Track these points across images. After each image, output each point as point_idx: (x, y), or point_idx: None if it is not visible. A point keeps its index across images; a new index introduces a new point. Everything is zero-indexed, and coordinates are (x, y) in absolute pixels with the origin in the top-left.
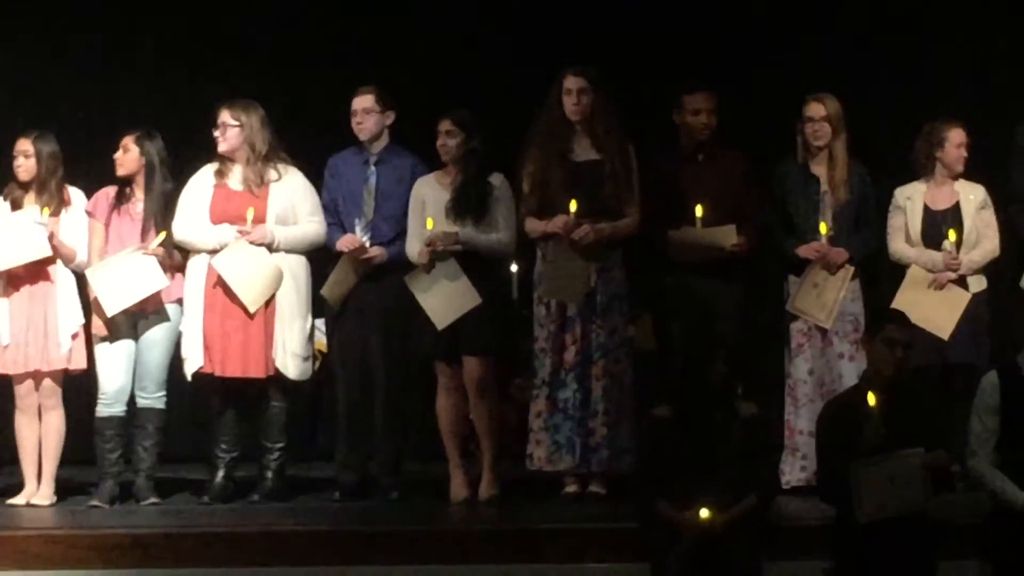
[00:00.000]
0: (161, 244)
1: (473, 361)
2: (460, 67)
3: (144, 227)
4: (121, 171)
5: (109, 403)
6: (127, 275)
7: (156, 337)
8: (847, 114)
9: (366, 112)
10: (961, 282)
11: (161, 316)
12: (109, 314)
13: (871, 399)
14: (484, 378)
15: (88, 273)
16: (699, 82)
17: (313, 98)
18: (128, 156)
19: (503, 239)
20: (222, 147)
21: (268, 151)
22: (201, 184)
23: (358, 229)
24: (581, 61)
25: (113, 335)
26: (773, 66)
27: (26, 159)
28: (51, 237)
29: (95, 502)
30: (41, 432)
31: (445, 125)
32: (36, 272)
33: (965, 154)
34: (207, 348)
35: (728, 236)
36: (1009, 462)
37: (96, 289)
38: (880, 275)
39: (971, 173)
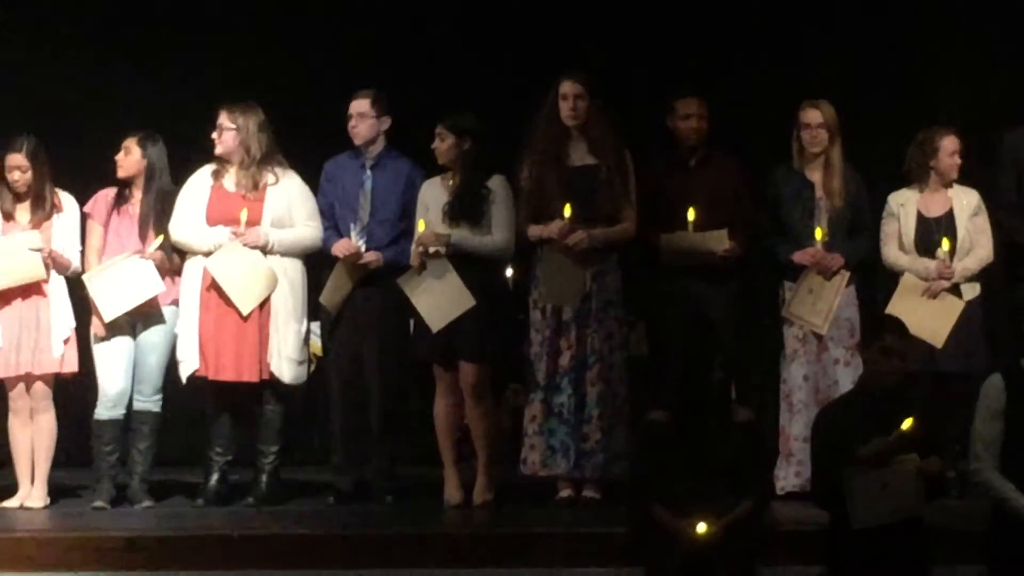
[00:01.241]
0: (159, 247)
1: (469, 366)
2: (460, 71)
3: (142, 229)
4: (122, 173)
5: (110, 406)
6: (124, 280)
7: (154, 340)
8: (842, 120)
9: (361, 116)
10: (955, 289)
11: (158, 319)
12: (106, 319)
13: (906, 424)
14: (480, 383)
15: (85, 279)
16: (690, 87)
17: (312, 102)
18: (130, 158)
19: (499, 242)
20: (218, 149)
21: (265, 154)
22: (198, 185)
23: (353, 233)
24: (578, 66)
25: (112, 337)
26: (769, 71)
27: (22, 174)
28: (47, 257)
29: (98, 503)
30: (33, 435)
31: (439, 129)
32: None
33: (959, 162)
34: (202, 351)
35: (720, 241)
36: (1013, 466)
37: (94, 295)
38: (875, 281)
39: (965, 178)
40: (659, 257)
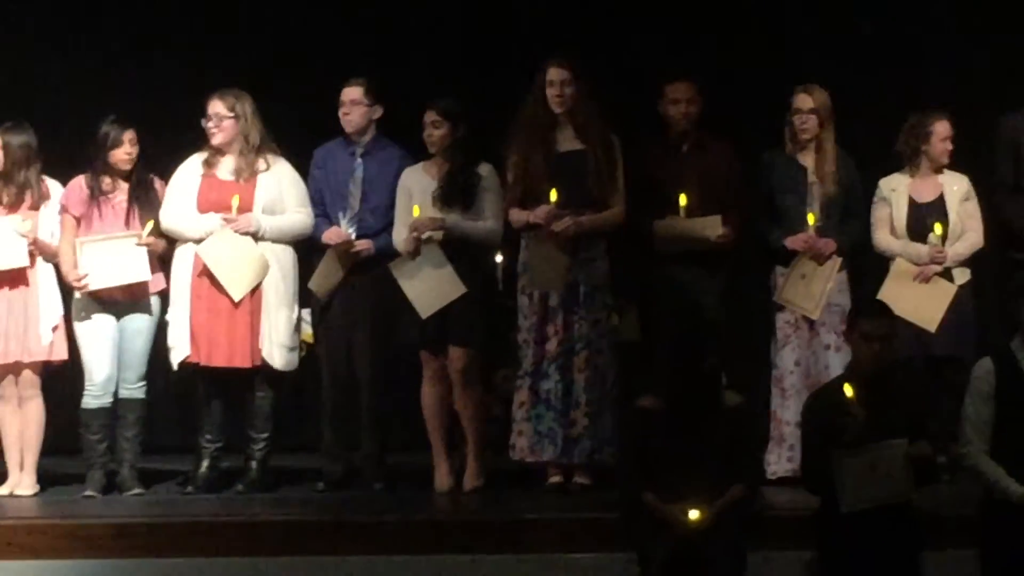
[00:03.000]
0: (150, 233)
1: (458, 351)
2: (446, 57)
3: (128, 218)
4: (131, 165)
5: (97, 394)
6: (116, 257)
7: (137, 326)
8: (835, 104)
9: (353, 104)
10: (946, 274)
11: (142, 307)
12: (90, 289)
13: (847, 390)
14: (469, 369)
15: (78, 242)
16: (680, 71)
17: (299, 88)
18: (137, 149)
19: (490, 227)
20: (217, 139)
21: (261, 141)
22: (188, 173)
23: (343, 221)
24: (567, 50)
25: (96, 324)
26: (764, 54)
27: None
28: (32, 243)
29: (89, 492)
30: (22, 423)
31: (431, 115)
32: None
33: (950, 147)
34: (193, 337)
35: (713, 227)
36: (1003, 450)
37: (82, 262)
38: (866, 266)
39: (955, 164)
40: (651, 243)
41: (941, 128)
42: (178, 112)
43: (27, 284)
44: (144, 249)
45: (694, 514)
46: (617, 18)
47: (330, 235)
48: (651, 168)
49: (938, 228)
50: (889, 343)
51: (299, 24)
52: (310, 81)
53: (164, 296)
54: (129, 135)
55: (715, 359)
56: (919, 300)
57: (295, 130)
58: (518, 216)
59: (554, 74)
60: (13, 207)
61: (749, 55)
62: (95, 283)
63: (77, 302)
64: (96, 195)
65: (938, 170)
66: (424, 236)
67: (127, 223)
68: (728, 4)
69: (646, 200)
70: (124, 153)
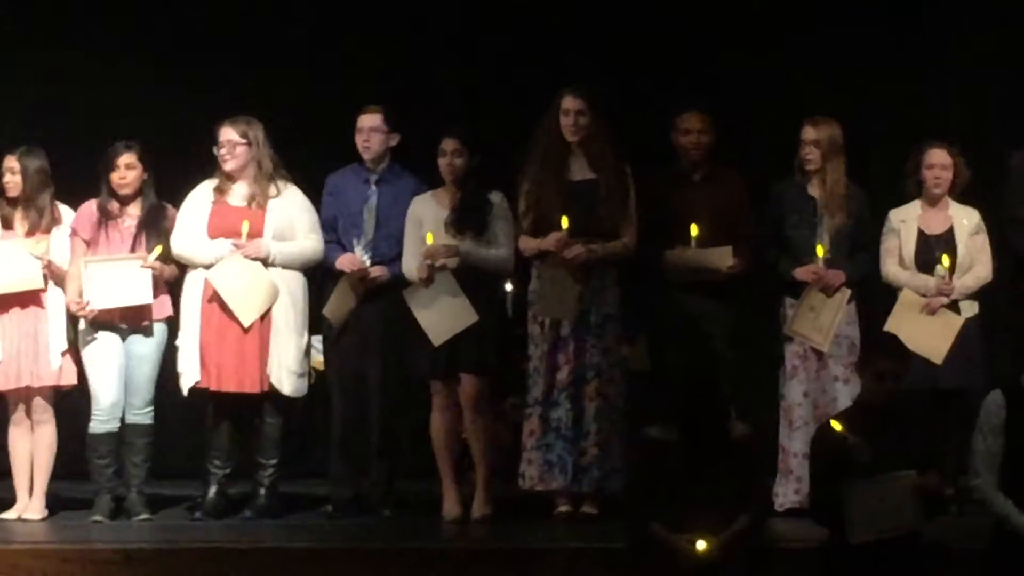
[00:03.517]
0: (156, 259)
1: (470, 379)
2: (456, 83)
3: (135, 242)
4: (129, 190)
5: (104, 419)
6: (120, 279)
7: (143, 352)
8: (847, 137)
9: (372, 131)
10: (953, 306)
11: (147, 332)
12: (91, 308)
13: (835, 426)
14: (480, 396)
15: (83, 262)
16: (692, 102)
17: (309, 114)
18: (134, 173)
19: (502, 255)
20: (229, 165)
21: (274, 166)
22: (199, 200)
23: (358, 248)
24: (580, 78)
25: (102, 349)
26: (777, 85)
27: (12, 176)
28: (47, 267)
29: (97, 517)
30: (33, 447)
31: (452, 144)
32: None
33: (942, 175)
34: (203, 362)
35: (724, 257)
36: (1013, 483)
37: (86, 280)
38: (875, 298)
39: (966, 196)
40: (661, 272)
41: (930, 156)
42: (188, 139)
43: (39, 307)
44: (148, 272)
45: (701, 545)
46: (630, 43)
47: (344, 262)
48: (662, 198)
49: (945, 260)
50: (899, 380)
51: (309, 51)
52: (318, 107)
53: (170, 322)
54: (125, 159)
55: (722, 390)
56: (925, 332)
57: (305, 156)
58: (529, 244)
59: (569, 103)
60: (30, 232)
61: (764, 85)
62: (97, 303)
63: (83, 326)
64: (105, 219)
65: (932, 202)
66: (438, 264)
67: (133, 248)
68: (745, 30)
69: (657, 229)
70: (118, 177)
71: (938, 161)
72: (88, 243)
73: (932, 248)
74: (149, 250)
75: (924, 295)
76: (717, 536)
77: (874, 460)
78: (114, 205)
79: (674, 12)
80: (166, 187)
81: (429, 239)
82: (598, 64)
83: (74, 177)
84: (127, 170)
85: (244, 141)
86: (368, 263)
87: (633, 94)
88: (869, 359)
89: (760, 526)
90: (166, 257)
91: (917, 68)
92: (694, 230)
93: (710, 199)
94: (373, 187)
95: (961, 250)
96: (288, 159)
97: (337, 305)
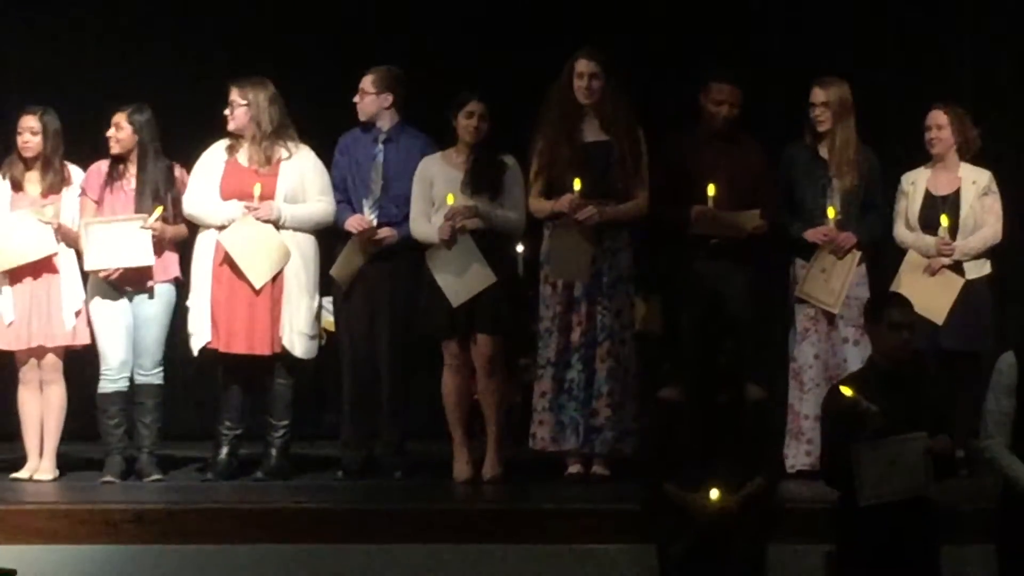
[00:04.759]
0: (157, 219)
1: (485, 339)
2: (468, 47)
3: (138, 203)
4: (117, 149)
5: (113, 378)
6: (119, 240)
7: (151, 313)
8: (859, 99)
9: (363, 92)
10: (957, 267)
11: (155, 293)
12: (87, 268)
13: (845, 391)
14: (494, 357)
15: (83, 223)
16: (728, 72)
17: (326, 76)
18: (121, 133)
19: (514, 217)
20: (231, 125)
21: (276, 129)
22: (212, 160)
23: (366, 208)
24: (597, 39)
25: (109, 308)
26: (790, 47)
27: (32, 135)
28: (57, 230)
29: (108, 478)
30: (43, 407)
31: (478, 107)
32: None
33: (937, 136)
34: (214, 324)
35: (751, 219)
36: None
37: (86, 242)
38: (886, 260)
39: (979, 158)
40: (676, 233)
41: (928, 118)
42: (204, 100)
43: (50, 270)
44: (148, 233)
45: (715, 494)
46: (644, 8)
47: (352, 222)
48: (681, 158)
49: (944, 220)
50: (914, 331)
51: (329, 14)
52: (336, 68)
53: (179, 283)
54: (116, 118)
55: (736, 352)
56: (927, 292)
57: (325, 119)
58: (541, 205)
59: (583, 66)
60: (46, 194)
61: (777, 49)
62: (96, 264)
63: (91, 287)
64: (110, 180)
65: (950, 163)
66: (458, 224)
67: (136, 208)
68: None
69: (675, 189)
70: (109, 135)
71: (933, 122)
72: (97, 203)
73: (937, 209)
74: (149, 211)
75: (926, 256)
76: (731, 496)
77: (885, 422)
78: (119, 166)
79: None
80: (173, 148)
81: (450, 199)
82: (619, 23)
83: (79, 140)
84: (117, 130)
85: (244, 102)
86: (375, 223)
87: (648, 54)
88: (881, 311)
89: (773, 488)
90: (174, 217)
91: (933, 33)
92: (711, 190)
93: (728, 161)
94: (380, 146)
95: (965, 211)
96: (304, 119)
97: (343, 265)
